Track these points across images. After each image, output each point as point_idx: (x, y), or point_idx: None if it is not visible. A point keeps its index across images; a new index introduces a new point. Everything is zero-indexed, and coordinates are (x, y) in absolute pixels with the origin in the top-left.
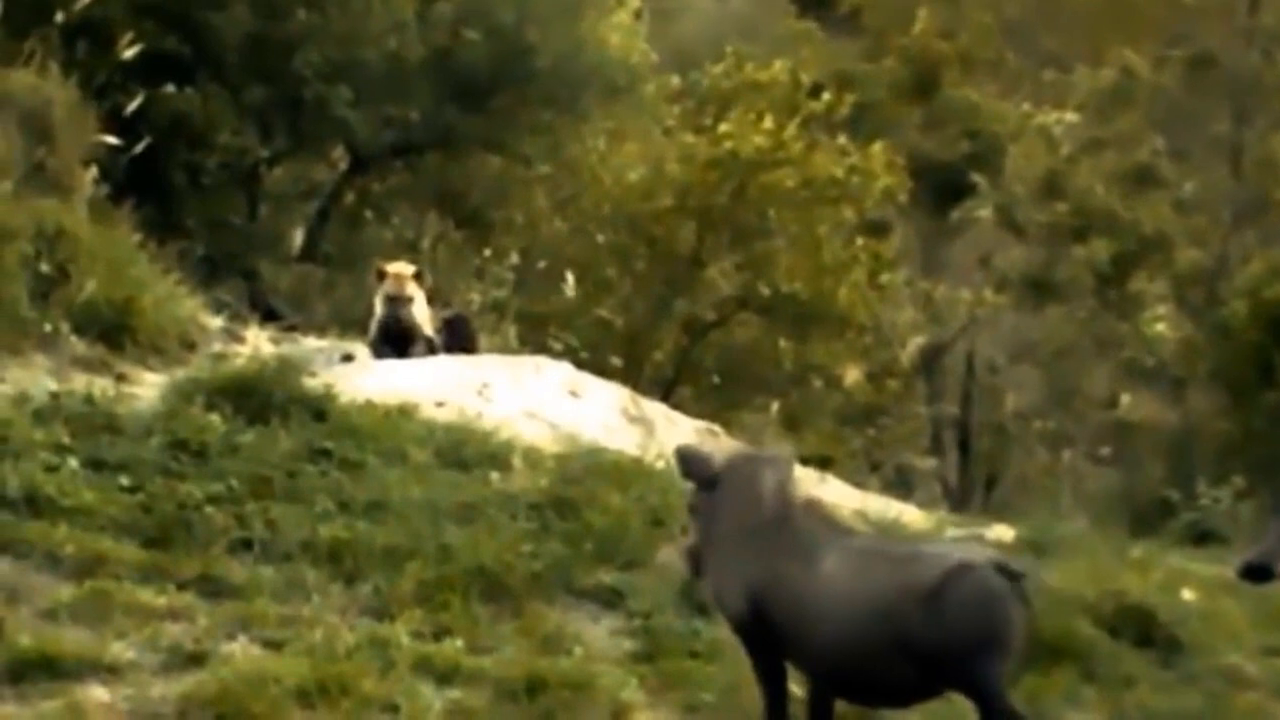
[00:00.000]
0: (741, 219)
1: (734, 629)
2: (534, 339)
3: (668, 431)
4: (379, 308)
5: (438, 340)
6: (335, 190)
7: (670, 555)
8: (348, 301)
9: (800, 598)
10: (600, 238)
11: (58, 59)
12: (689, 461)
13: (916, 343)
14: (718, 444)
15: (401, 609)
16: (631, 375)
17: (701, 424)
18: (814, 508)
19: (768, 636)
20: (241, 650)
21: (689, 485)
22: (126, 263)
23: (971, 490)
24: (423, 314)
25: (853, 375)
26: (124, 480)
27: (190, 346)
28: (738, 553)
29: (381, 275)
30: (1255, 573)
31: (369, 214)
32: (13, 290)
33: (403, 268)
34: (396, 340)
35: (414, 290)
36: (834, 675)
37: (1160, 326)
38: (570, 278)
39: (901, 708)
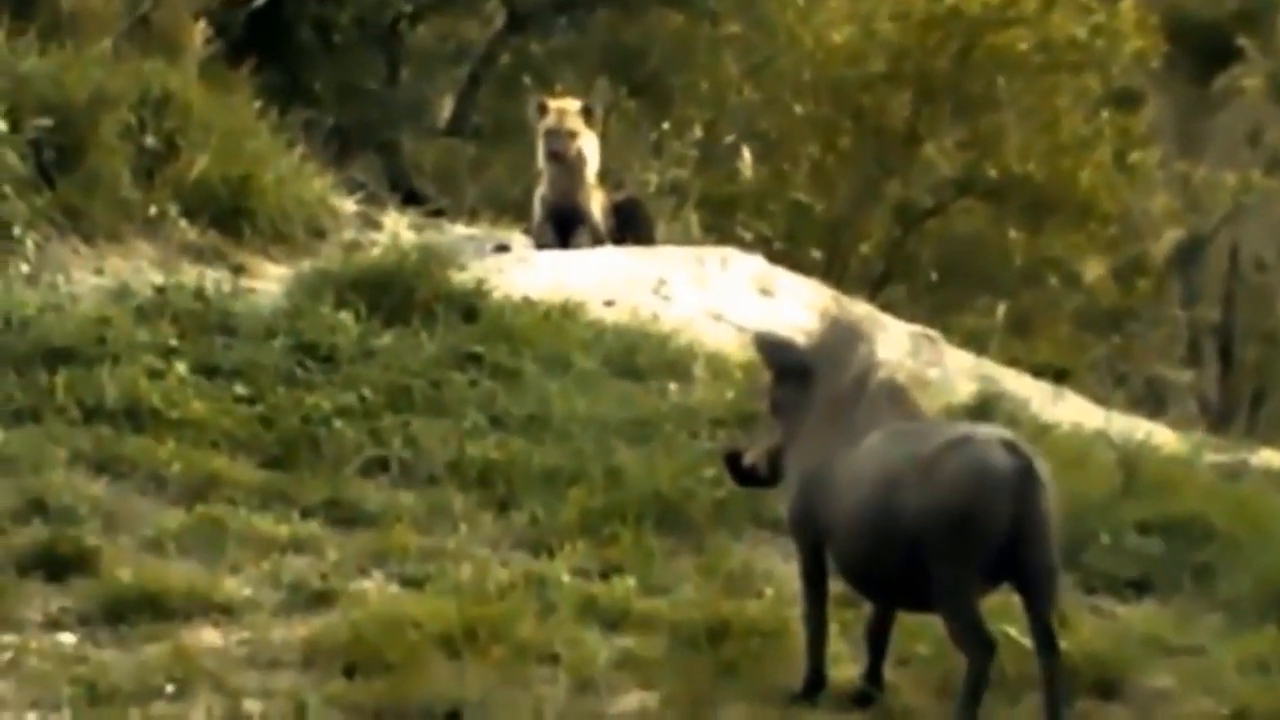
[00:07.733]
0: (966, 88)
1: (789, 527)
2: (720, 226)
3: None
4: (541, 146)
5: (607, 226)
6: (489, 51)
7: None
8: (502, 182)
9: (833, 479)
10: (799, 109)
11: None
12: (774, 350)
13: (1172, 236)
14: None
15: (563, 542)
16: (834, 270)
17: (916, 328)
18: (890, 389)
19: (811, 531)
20: (376, 588)
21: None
22: (244, 135)
23: (1235, 408)
24: (593, 160)
25: (1094, 271)
26: (240, 389)
27: (318, 234)
28: (808, 441)
29: (543, 109)
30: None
31: (528, 79)
32: (113, 166)
33: (568, 102)
34: (560, 221)
35: (580, 126)
36: (850, 565)
37: None
38: (747, 154)
39: (918, 610)
